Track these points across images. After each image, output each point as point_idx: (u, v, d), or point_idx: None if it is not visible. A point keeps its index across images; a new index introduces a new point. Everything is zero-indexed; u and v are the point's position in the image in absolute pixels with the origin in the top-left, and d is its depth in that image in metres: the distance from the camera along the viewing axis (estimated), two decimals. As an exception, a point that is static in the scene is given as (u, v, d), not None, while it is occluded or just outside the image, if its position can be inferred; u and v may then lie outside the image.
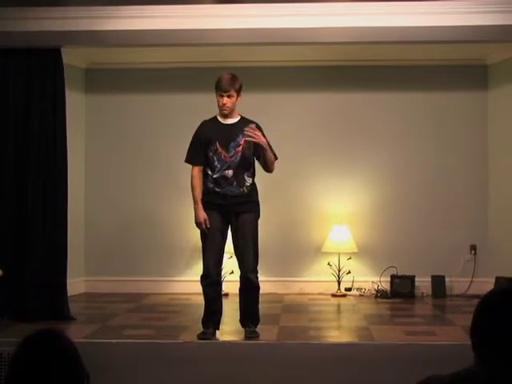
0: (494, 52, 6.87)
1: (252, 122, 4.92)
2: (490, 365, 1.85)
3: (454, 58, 7.05)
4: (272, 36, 5.73)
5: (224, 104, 4.85)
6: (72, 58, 6.61)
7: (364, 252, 7.16)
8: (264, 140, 4.84)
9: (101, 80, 7.42)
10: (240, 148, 4.85)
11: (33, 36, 5.73)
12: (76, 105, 6.96)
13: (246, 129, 4.79)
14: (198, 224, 4.89)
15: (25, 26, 5.74)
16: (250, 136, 4.78)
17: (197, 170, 4.93)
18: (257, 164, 5.01)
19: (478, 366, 1.87)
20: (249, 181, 4.89)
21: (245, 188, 4.87)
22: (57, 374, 1.94)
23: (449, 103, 7.25)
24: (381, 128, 7.28)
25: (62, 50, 5.86)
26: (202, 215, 4.86)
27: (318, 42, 5.93)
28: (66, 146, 5.87)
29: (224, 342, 4.90)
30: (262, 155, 4.89)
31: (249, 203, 4.89)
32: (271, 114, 7.04)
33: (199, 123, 5.03)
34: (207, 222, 4.85)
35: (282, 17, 5.66)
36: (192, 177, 4.93)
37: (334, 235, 7.10)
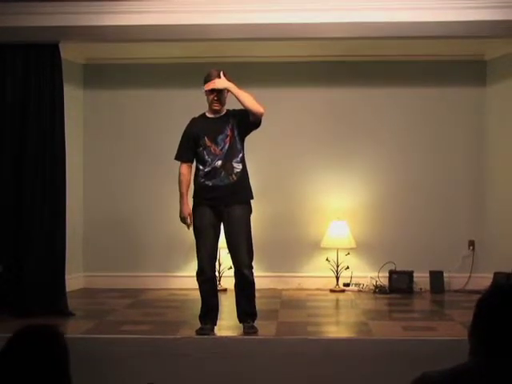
0: (493, 47, 6.86)
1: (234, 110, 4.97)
2: (487, 361, 1.86)
3: (453, 54, 7.03)
4: (270, 31, 5.71)
5: (216, 100, 4.88)
6: (70, 53, 6.59)
7: (362, 247, 7.17)
8: (225, 83, 4.85)
9: (99, 75, 7.40)
10: (228, 139, 4.86)
11: (31, 31, 5.71)
12: (74, 100, 6.94)
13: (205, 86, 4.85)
14: (182, 219, 4.94)
15: (23, 21, 5.72)
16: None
17: (185, 167, 4.97)
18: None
19: (475, 362, 1.88)
20: (238, 167, 4.86)
21: (234, 176, 4.84)
22: (40, 373, 1.89)
23: (447, 99, 7.24)
24: (379, 124, 7.28)
25: (60, 45, 5.85)
26: (187, 210, 4.91)
27: (316, 38, 5.91)
28: (64, 142, 5.86)
29: (222, 338, 4.90)
30: (241, 116, 4.88)
31: (240, 193, 4.87)
32: (269, 110, 6.96)
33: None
34: (191, 218, 4.89)
35: (280, 12, 5.64)
36: (180, 173, 4.97)
37: (332, 231, 7.10)
